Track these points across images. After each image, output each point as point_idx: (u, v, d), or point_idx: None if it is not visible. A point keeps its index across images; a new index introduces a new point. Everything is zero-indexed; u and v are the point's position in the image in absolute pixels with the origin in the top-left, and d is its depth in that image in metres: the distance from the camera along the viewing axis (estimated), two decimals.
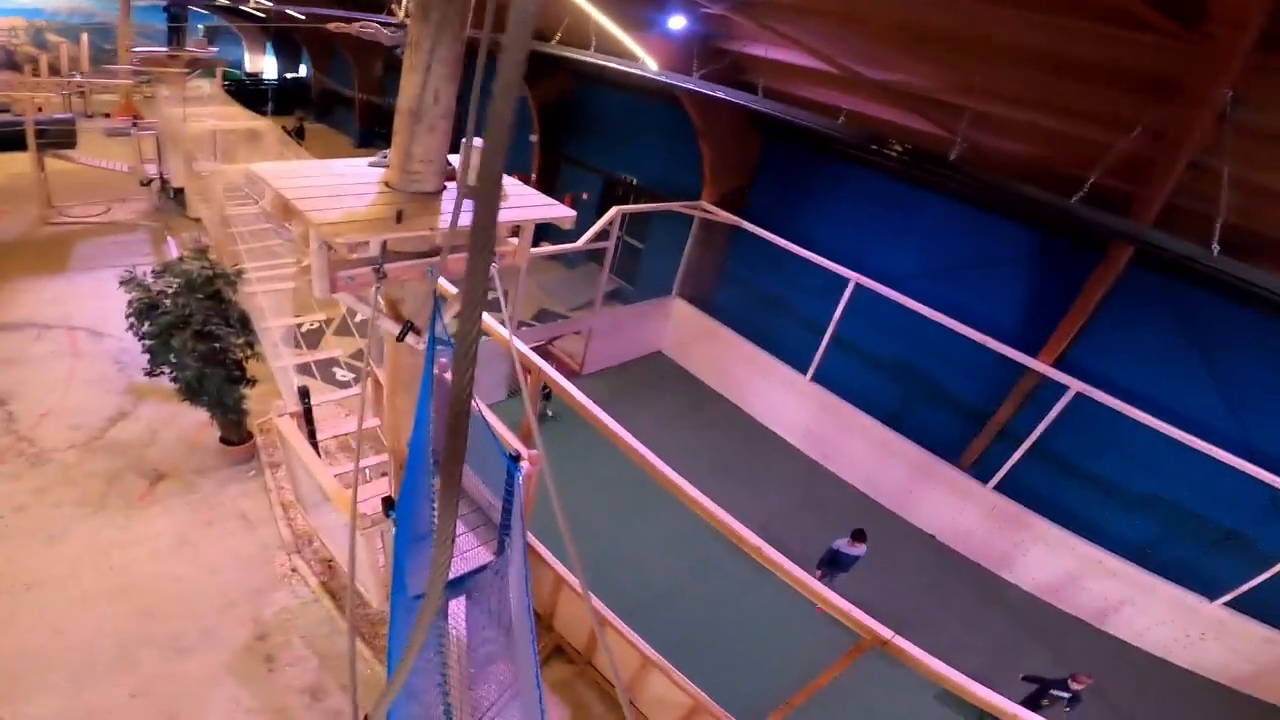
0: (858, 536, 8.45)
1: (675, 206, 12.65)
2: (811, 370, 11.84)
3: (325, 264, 3.98)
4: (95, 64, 25.04)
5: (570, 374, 11.76)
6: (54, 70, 26.42)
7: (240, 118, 12.75)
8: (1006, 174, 7.70)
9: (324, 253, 3.93)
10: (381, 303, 4.57)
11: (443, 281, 5.33)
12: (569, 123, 18.24)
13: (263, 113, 17.65)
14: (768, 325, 13.37)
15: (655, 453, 5.74)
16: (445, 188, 4.36)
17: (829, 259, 11.48)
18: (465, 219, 4.28)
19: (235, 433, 9.03)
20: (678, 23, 9.87)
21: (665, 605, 8.10)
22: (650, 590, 8.30)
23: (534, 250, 9.91)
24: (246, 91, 28.52)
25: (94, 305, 10.85)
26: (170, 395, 8.59)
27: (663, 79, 10.23)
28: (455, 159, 4.52)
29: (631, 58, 10.47)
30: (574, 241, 10.63)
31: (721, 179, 13.68)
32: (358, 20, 5.10)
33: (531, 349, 9.02)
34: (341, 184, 4.28)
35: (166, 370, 7.98)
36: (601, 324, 12.28)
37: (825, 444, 11.85)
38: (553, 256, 15.51)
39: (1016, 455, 9.83)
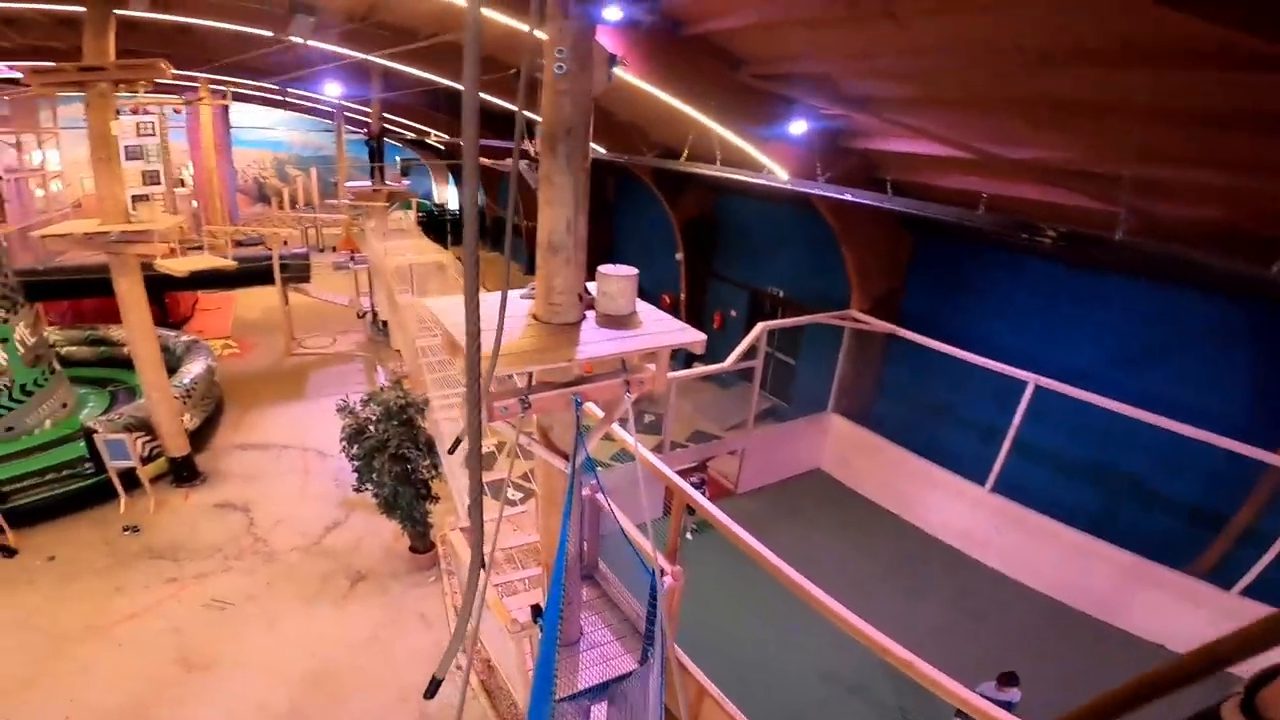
0: (1008, 680, 7.19)
1: (823, 318, 12.12)
2: (991, 481, 10.76)
3: (484, 393, 4.50)
4: (323, 197, 29.61)
5: (726, 493, 11.61)
6: (293, 203, 31.60)
7: (429, 250, 14.70)
8: (1187, 241, 6.87)
9: (484, 383, 4.46)
10: (535, 430, 5.05)
11: (590, 407, 5.75)
12: (711, 239, 18.56)
13: (445, 243, 19.55)
14: (934, 436, 12.32)
15: (812, 567, 5.62)
16: (585, 317, 4.85)
17: (998, 359, 10.61)
18: (604, 348, 4.75)
19: (421, 543, 10.08)
20: (799, 128, 9.84)
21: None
22: (800, 699, 7.80)
23: (682, 374, 10.25)
24: (435, 223, 30.40)
25: (322, 429, 12.79)
26: (373, 508, 9.89)
27: (790, 186, 10.30)
28: (594, 287, 5.07)
29: (758, 167, 10.64)
30: (723, 361, 10.61)
31: (869, 284, 13.23)
32: (505, 158, 5.87)
33: (684, 470, 9.11)
34: (496, 317, 4.94)
35: (370, 487, 9.29)
36: (756, 443, 11.97)
37: (1007, 553, 10.67)
38: (706, 377, 15.76)
39: (1268, 557, 8.12)
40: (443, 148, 25.88)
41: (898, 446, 11.69)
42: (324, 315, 18.98)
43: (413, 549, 10.15)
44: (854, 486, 12.21)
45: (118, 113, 11.00)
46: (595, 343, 4.59)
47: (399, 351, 14.60)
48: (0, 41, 14.14)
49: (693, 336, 4.95)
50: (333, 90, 16.90)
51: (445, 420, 9.74)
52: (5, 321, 12.12)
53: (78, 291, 16.60)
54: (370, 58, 12.82)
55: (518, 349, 4.41)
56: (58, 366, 13.36)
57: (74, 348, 15.59)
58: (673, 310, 18.00)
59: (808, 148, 10.12)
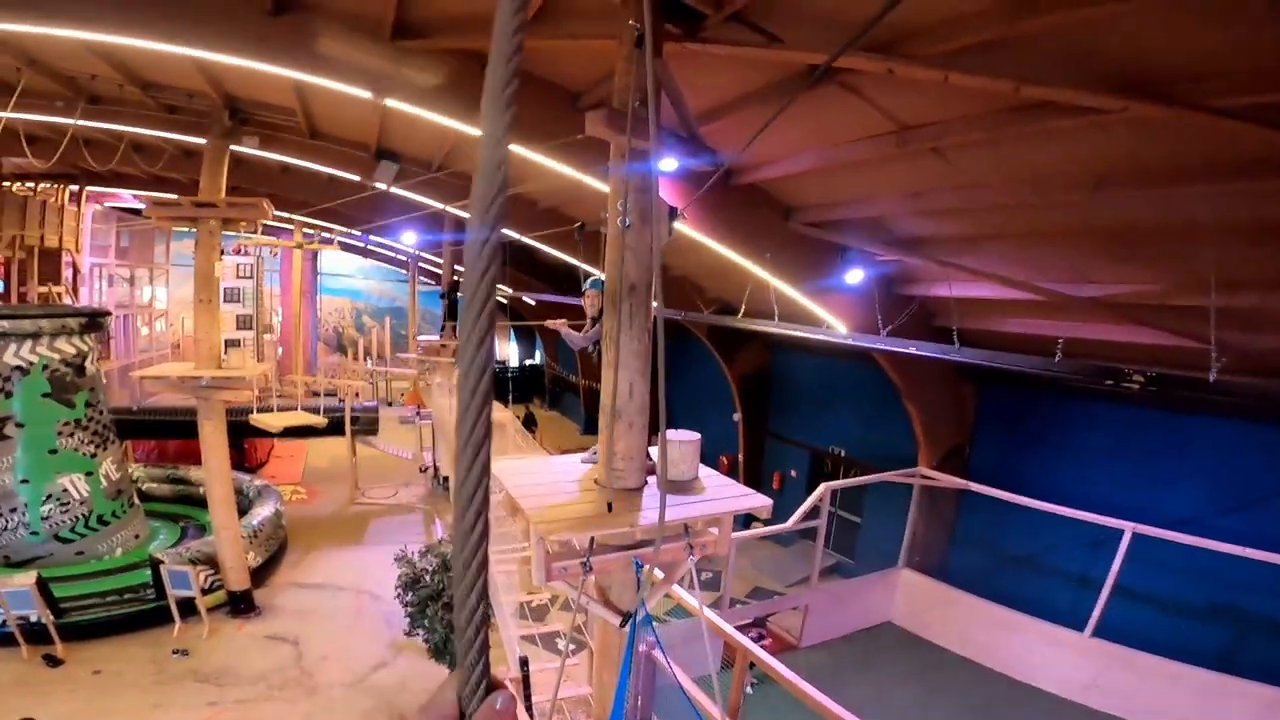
0: None
1: (890, 477, 11.91)
2: (1091, 626, 9.97)
3: (542, 556, 4.32)
4: (394, 349, 30.41)
5: (788, 648, 11.08)
6: (366, 354, 32.55)
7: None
8: None
9: (541, 546, 4.30)
10: (592, 590, 4.80)
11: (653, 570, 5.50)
12: (768, 397, 18.17)
13: (505, 401, 20.09)
14: (1018, 585, 11.59)
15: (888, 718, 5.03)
16: (647, 483, 4.72)
17: (1085, 507, 9.98)
18: (668, 514, 4.57)
19: None
20: (855, 276, 9.52)
21: None
22: None
23: (743, 534, 9.86)
24: (500, 380, 29.75)
25: (377, 573, 12.79)
26: (422, 652, 9.88)
27: (849, 341, 10.03)
28: (655, 452, 4.96)
29: (816, 321, 10.41)
30: (784, 521, 10.30)
31: (936, 439, 12.71)
32: (552, 321, 5.91)
33: (743, 625, 8.53)
34: (558, 481, 4.85)
35: (421, 632, 9.36)
36: (819, 599, 11.69)
37: (1115, 696, 9.66)
38: (766, 535, 15.20)
39: None
40: (505, 302, 26.45)
41: (976, 597, 11.20)
42: (388, 467, 19.66)
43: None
44: (929, 637, 11.80)
45: (221, 252, 11.91)
46: (657, 508, 4.42)
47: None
48: (128, 168, 15.90)
49: (758, 502, 4.79)
50: (408, 239, 18.21)
51: (500, 574, 9.63)
52: (94, 456, 12.84)
53: (165, 432, 17.57)
54: (444, 207, 13.74)
55: (579, 514, 4.30)
56: (136, 501, 13.94)
57: (154, 484, 16.29)
58: (730, 472, 17.62)
59: (866, 298, 9.84)
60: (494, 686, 0.79)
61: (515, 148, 7.72)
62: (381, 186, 11.99)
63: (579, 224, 10.69)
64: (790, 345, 16.48)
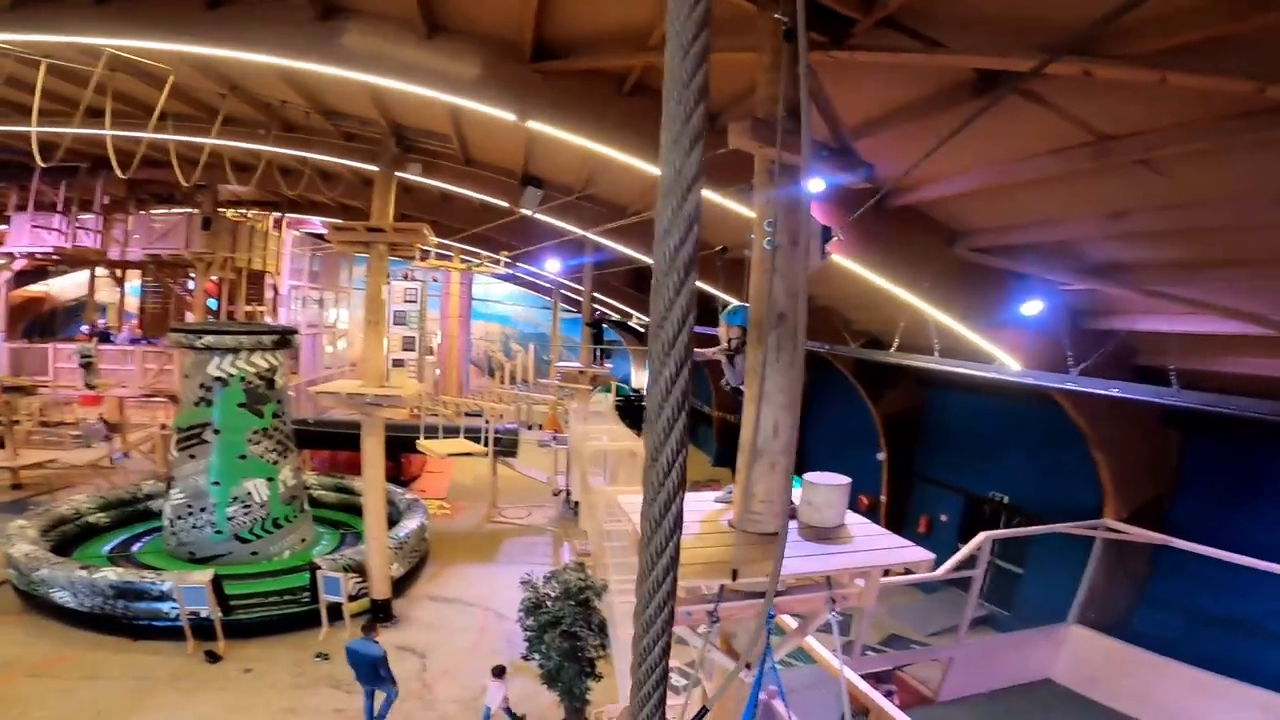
0: None
1: (1068, 528, 10.66)
2: None
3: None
4: (537, 374, 31.73)
5: (923, 701, 10.29)
6: (512, 379, 34.25)
7: (622, 436, 15.24)
8: None
9: None
10: (716, 638, 4.40)
11: (785, 618, 5.03)
12: (920, 436, 17.16)
13: (638, 430, 20.13)
14: (1224, 649, 10.11)
15: None
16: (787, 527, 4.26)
17: None
18: (807, 564, 4.07)
19: (575, 718, 9.65)
20: (1033, 308, 8.33)
21: None
22: None
23: (886, 580, 9.04)
24: (631, 408, 29.81)
25: (505, 593, 13.05)
26: (535, 676, 9.75)
27: (1030, 380, 9.07)
28: (797, 494, 4.48)
29: (986, 358, 9.49)
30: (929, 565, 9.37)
31: (1128, 490, 11.33)
32: (708, 351, 5.58)
33: (872, 674, 7.83)
34: (689, 520, 4.50)
35: (537, 657, 9.29)
36: (966, 652, 10.74)
37: None
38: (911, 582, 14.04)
39: None
40: (643, 330, 26.63)
41: (1167, 659, 10.06)
42: (524, 488, 20.12)
43: None
44: (1100, 699, 10.59)
45: (388, 277, 12.89)
46: (798, 557, 3.98)
47: (585, 532, 14.83)
48: (316, 195, 17.80)
49: (916, 555, 4.23)
50: (552, 266, 18.89)
51: (621, 604, 9.47)
52: (275, 464, 14.17)
53: (336, 444, 19.25)
54: (584, 233, 14.05)
55: (709, 559, 3.92)
56: (306, 507, 15.18)
57: (323, 491, 17.74)
58: (870, 512, 16.60)
59: (1048, 332, 8.75)
60: None
61: (652, 169, 7.69)
62: (527, 212, 12.43)
63: (719, 248, 10.41)
64: (948, 383, 15.46)
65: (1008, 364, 9.33)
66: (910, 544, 4.32)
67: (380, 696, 9.52)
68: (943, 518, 16.33)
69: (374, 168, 12.06)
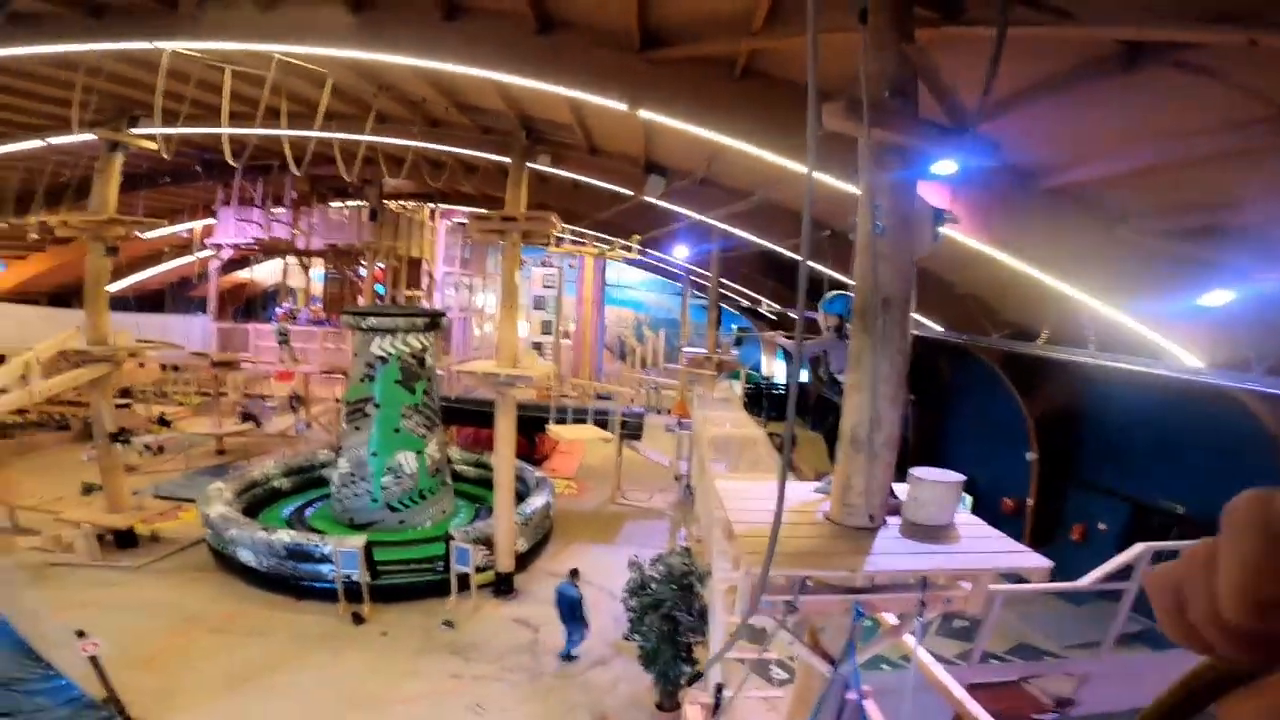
0: None
1: None
2: None
3: (749, 589, 3.97)
4: (666, 359, 32.22)
5: (1045, 711, 9.42)
6: (643, 363, 35.00)
7: (745, 424, 15.01)
8: None
9: (749, 578, 3.96)
10: (802, 630, 4.33)
11: (886, 616, 4.84)
12: (1077, 437, 15.63)
13: (769, 418, 19.64)
14: None
15: None
16: (885, 523, 4.10)
17: None
18: (900, 562, 3.90)
19: (669, 701, 9.91)
20: (1218, 298, 7.24)
21: None
22: None
23: (1016, 588, 8.43)
24: (759, 395, 29.74)
25: (618, 573, 13.23)
26: (636, 657, 9.99)
27: (1211, 379, 7.98)
28: (903, 490, 4.28)
29: (1153, 353, 8.41)
30: (1078, 579, 8.49)
31: None
32: (770, 334, 5.43)
33: (987, 684, 7.30)
34: (784, 508, 4.45)
35: (637, 638, 9.55)
36: (1107, 667, 9.77)
37: None
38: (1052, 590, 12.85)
39: None
40: (775, 318, 26.13)
41: None
42: (648, 472, 20.41)
43: (659, 705, 10.00)
44: None
45: (523, 263, 13.58)
46: (891, 554, 3.84)
47: (698, 518, 14.83)
48: (461, 186, 19.11)
49: (1030, 561, 3.93)
50: (680, 253, 18.97)
51: (718, 593, 9.48)
52: (423, 438, 15.45)
53: (480, 420, 20.60)
54: (705, 218, 14.03)
55: (797, 549, 3.87)
56: (449, 480, 16.40)
57: (465, 466, 19.05)
58: (1016, 516, 15.45)
59: (1234, 325, 7.62)
60: None
61: (765, 154, 7.53)
62: (651, 199, 12.60)
63: (827, 231, 10.01)
64: (1114, 379, 13.82)
65: (1183, 359, 8.20)
66: (1025, 549, 4.02)
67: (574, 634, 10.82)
68: (1101, 526, 14.88)
69: (507, 159, 12.76)
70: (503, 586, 13.14)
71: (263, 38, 8.97)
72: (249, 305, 35.07)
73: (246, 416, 22.41)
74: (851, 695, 4.04)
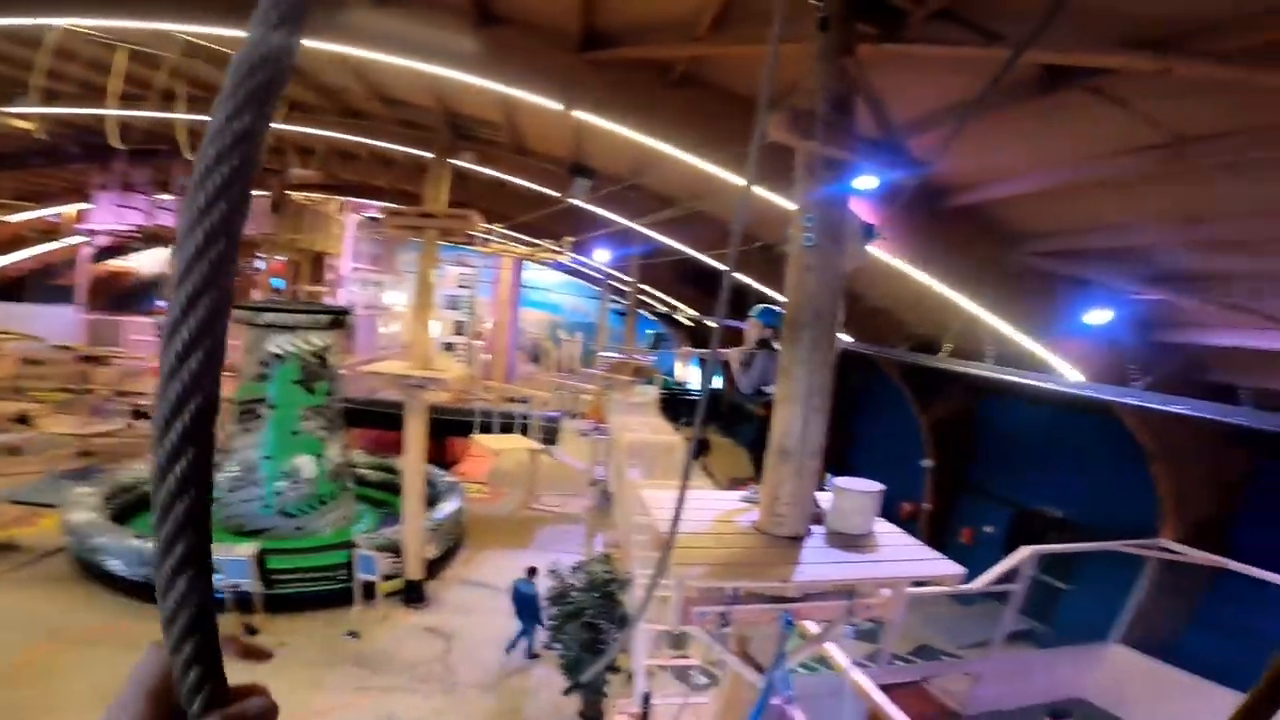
0: None
1: (1121, 547, 10.29)
2: None
3: (681, 599, 3.94)
4: (582, 363, 32.09)
5: (948, 714, 10.03)
6: (558, 367, 34.70)
7: (662, 430, 15.17)
8: None
9: (680, 589, 3.91)
10: (731, 640, 4.32)
11: (808, 624, 4.90)
12: (968, 445, 16.69)
13: (682, 424, 19.92)
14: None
15: None
16: (810, 533, 4.15)
17: None
18: (828, 571, 3.96)
19: (593, 710, 9.79)
20: (1098, 317, 7.83)
21: None
22: None
23: (919, 590, 8.82)
24: (674, 401, 29.52)
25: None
26: (556, 665, 9.84)
27: (1091, 393, 8.65)
28: (826, 499, 4.35)
29: (1044, 367, 9.04)
30: (970, 581, 9.05)
31: (1187, 509, 10.92)
32: (725, 351, 5.42)
33: (894, 684, 7.76)
34: (712, 518, 4.43)
35: (558, 646, 9.39)
36: (997, 667, 10.57)
37: None
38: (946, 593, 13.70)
39: None
40: (692, 324, 26.42)
41: (1213, 684, 9.79)
42: (562, 477, 20.17)
43: (581, 714, 9.87)
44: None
45: (439, 262, 13.01)
46: (819, 564, 3.88)
47: (616, 524, 14.85)
48: (375, 180, 18.21)
49: (945, 569, 4.07)
50: (600, 256, 18.89)
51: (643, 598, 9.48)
52: (323, 441, 14.58)
53: (385, 423, 19.63)
54: (631, 224, 13.96)
55: (727, 560, 3.85)
56: (350, 485, 15.58)
57: (368, 471, 18.12)
58: (913, 521, 16.13)
59: (1112, 343, 8.31)
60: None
61: (699, 162, 7.59)
62: (575, 202, 12.44)
63: (757, 243, 10.22)
64: (1001, 391, 14.85)
65: (1067, 374, 8.88)
66: (940, 557, 4.17)
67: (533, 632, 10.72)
68: (988, 529, 15.95)
69: (428, 154, 12.27)
70: (413, 595, 12.62)
71: (166, 16, 8.17)
72: (127, 296, 32.12)
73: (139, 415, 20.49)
74: (779, 702, 4.06)
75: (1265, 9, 3.53)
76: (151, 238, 22.93)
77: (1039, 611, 14.10)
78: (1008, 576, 9.57)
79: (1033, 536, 13.59)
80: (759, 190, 7.32)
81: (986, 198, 7.43)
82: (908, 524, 17.61)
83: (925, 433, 16.49)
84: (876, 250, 7.97)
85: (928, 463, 16.50)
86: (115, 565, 11.72)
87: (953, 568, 4.05)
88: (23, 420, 20.41)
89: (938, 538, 16.09)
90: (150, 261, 29.80)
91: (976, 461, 16.57)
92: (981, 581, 9.11)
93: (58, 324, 21.67)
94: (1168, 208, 6.27)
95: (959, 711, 10.23)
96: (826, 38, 3.60)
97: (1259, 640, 10.44)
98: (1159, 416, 9.61)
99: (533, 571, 11.03)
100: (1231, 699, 9.43)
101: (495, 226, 17.97)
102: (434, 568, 13.58)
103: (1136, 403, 7.85)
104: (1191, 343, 8.54)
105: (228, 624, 10.98)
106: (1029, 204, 7.36)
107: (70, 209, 24.18)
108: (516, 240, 22.27)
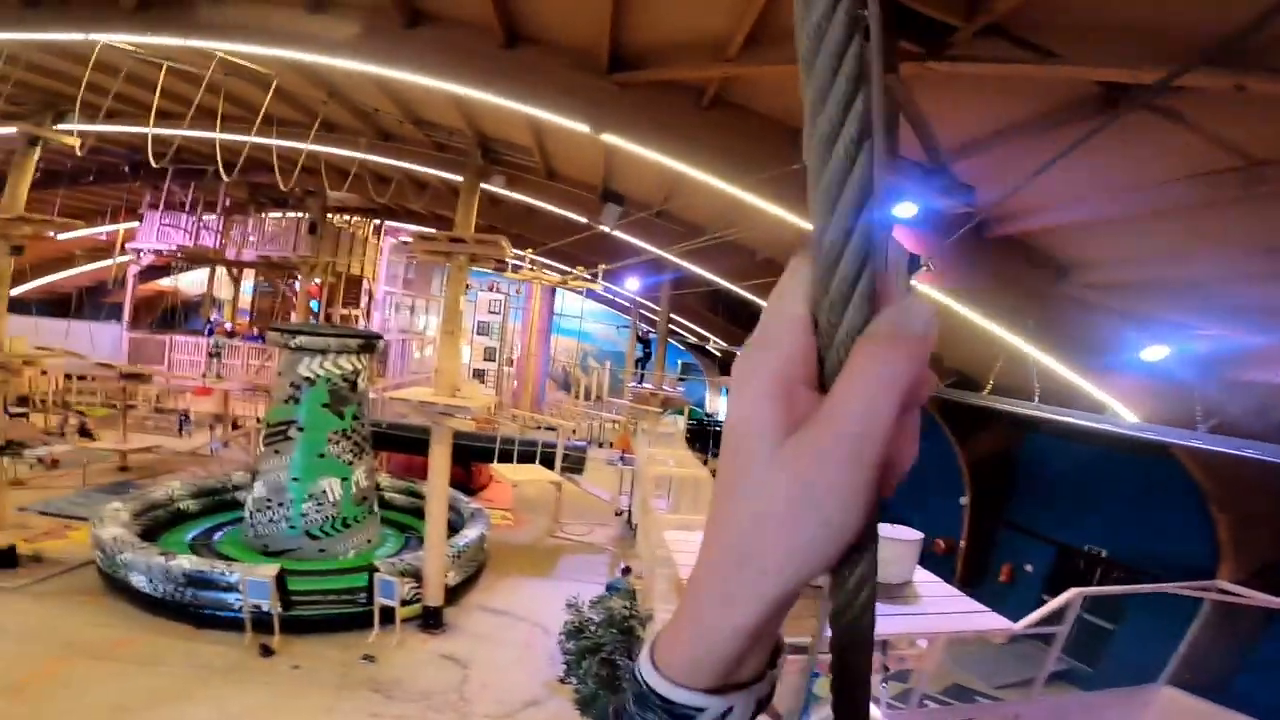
0: None
1: (1175, 589, 9.68)
2: None
3: None
4: (611, 393, 31.81)
5: None
6: (587, 395, 34.42)
7: (688, 463, 14.82)
8: None
9: None
10: None
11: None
12: (1009, 482, 16.15)
13: (711, 456, 19.56)
14: None
15: None
16: None
17: None
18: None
19: None
20: (1157, 354, 7.29)
21: None
22: None
23: (964, 630, 8.28)
24: (703, 433, 28.89)
25: (555, 609, 12.77)
26: (572, 699, 9.47)
27: (1149, 435, 8.06)
28: None
29: (1091, 406, 8.58)
30: (1010, 615, 8.54)
31: (1248, 552, 10.37)
32: None
33: None
34: None
35: (574, 681, 9.11)
36: (1039, 710, 9.87)
37: None
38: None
39: None
40: (720, 355, 26.25)
41: None
42: (588, 506, 19.93)
43: None
44: None
45: (468, 287, 13.01)
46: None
47: (639, 556, 14.55)
48: (410, 203, 18.38)
49: (990, 623, 3.72)
50: (631, 285, 18.77)
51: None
52: (350, 464, 14.56)
53: (413, 448, 19.65)
54: (661, 253, 13.84)
55: None
56: (376, 508, 15.50)
57: (395, 494, 18.09)
58: (948, 557, 15.63)
59: (1174, 381, 7.67)
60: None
61: (730, 188, 7.40)
62: (605, 228, 12.36)
63: None
64: (1045, 427, 14.40)
65: (1121, 414, 8.40)
66: (986, 610, 3.84)
67: None
68: (1028, 567, 15.49)
69: (459, 178, 12.33)
70: (431, 621, 12.38)
71: (210, 35, 8.36)
72: (169, 315, 33.11)
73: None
74: None
75: None
76: (193, 257, 23.56)
77: (1084, 652, 13.55)
78: (1053, 617, 9.09)
79: (1076, 576, 13.11)
80: (791, 216, 7.12)
81: (1036, 226, 7.09)
82: (943, 560, 17.05)
83: (963, 468, 16.02)
84: (922, 283, 7.67)
85: (965, 500, 16.03)
86: (140, 581, 11.74)
87: (1000, 622, 3.75)
88: (84, 433, 20.96)
89: (973, 575, 15.54)
90: (194, 281, 30.70)
91: (1017, 498, 16.06)
92: (1024, 623, 8.60)
93: (104, 340, 22.23)
94: (1239, 237, 5.86)
95: None
96: (867, 49, 3.38)
97: None
98: (1219, 456, 9.03)
99: (627, 571, 10.93)
100: None
101: (526, 253, 18.00)
102: (454, 594, 13.38)
103: (1206, 446, 7.24)
104: (1262, 381, 7.91)
105: (244, 644, 11.03)
106: (1081, 232, 7.01)
107: (121, 227, 25.09)
108: (548, 267, 22.36)
